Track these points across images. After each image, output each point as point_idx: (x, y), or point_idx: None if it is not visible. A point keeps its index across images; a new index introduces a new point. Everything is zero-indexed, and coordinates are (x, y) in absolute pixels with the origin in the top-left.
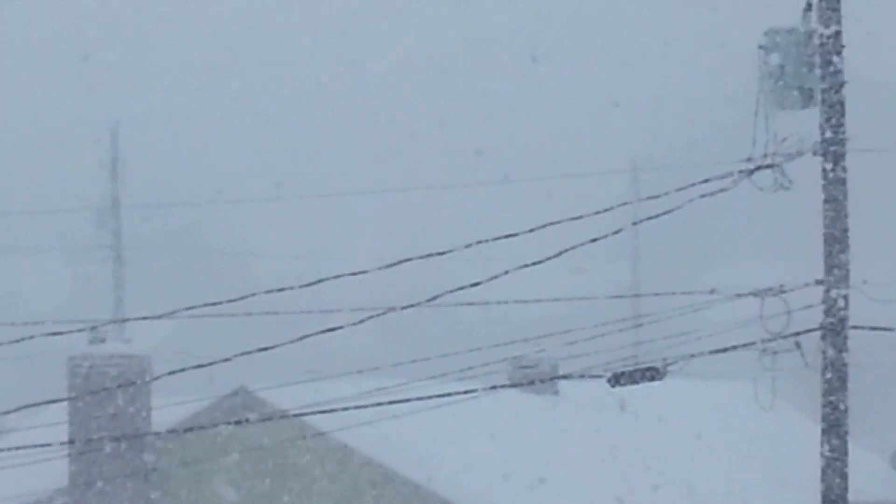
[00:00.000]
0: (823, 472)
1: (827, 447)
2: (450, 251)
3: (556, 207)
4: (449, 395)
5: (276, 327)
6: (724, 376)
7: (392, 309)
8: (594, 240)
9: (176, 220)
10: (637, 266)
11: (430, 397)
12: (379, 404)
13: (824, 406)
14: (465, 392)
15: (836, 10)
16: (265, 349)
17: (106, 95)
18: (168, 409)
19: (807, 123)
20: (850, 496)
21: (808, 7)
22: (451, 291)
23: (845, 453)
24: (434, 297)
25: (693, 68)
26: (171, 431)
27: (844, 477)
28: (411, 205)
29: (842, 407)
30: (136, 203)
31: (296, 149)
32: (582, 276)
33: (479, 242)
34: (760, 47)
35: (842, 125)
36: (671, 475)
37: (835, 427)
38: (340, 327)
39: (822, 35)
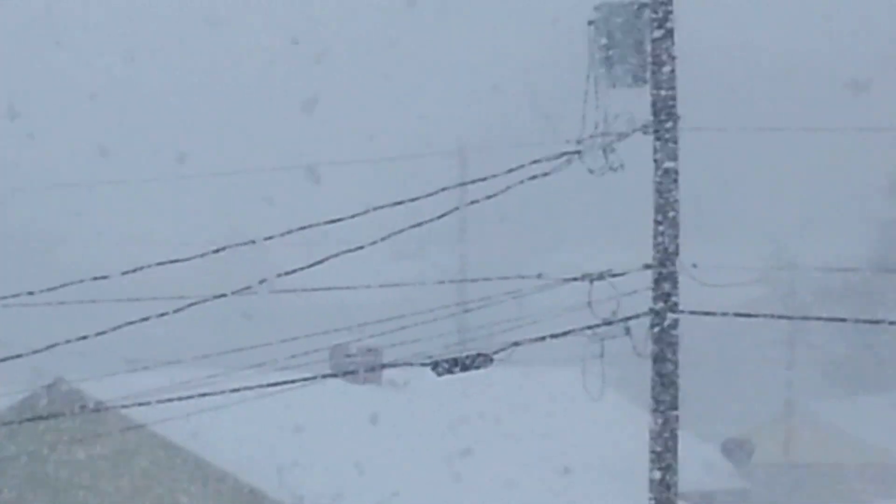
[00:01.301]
0: (652, 461)
1: (656, 436)
2: (272, 237)
3: (382, 192)
4: (271, 385)
5: (93, 317)
6: (552, 363)
7: (221, 295)
8: (419, 224)
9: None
10: (465, 251)
11: (251, 388)
12: (198, 395)
13: (654, 393)
14: (286, 382)
15: None
16: (84, 338)
17: None
18: None
19: (639, 102)
20: (681, 485)
21: None
22: (276, 276)
23: (675, 442)
24: (258, 283)
25: (525, 45)
26: None
27: (674, 466)
28: (232, 189)
29: (671, 394)
30: None
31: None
32: (409, 261)
33: (302, 228)
34: (590, 23)
35: (673, 104)
36: (494, 467)
37: (664, 415)
38: (163, 314)
39: (653, 11)
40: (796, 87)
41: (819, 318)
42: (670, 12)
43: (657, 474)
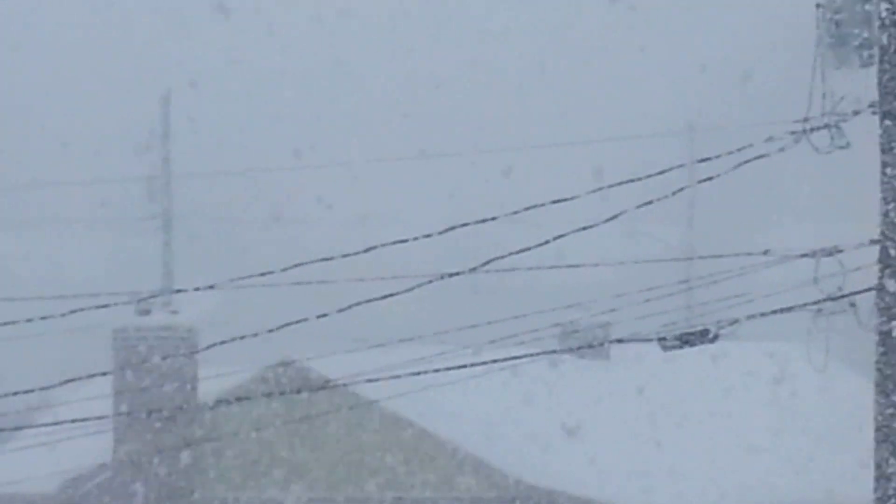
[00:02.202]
0: (877, 432)
1: (881, 406)
2: (499, 216)
3: (610, 171)
4: (499, 360)
5: (323, 297)
6: (778, 338)
7: (441, 276)
8: (648, 202)
9: (223, 190)
10: (692, 229)
11: (480, 364)
12: (427, 371)
13: (878, 366)
14: (515, 357)
15: None
16: (307, 319)
17: (154, 64)
18: (214, 380)
19: (866, 82)
20: None
21: None
22: (500, 258)
23: None
24: (485, 264)
25: (749, 27)
26: (218, 403)
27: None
28: (457, 170)
29: (895, 367)
30: (185, 172)
31: (322, 114)
32: (636, 239)
33: (530, 207)
34: (818, 5)
35: None
36: (723, 437)
37: (889, 385)
38: (389, 295)
39: None
40: None
41: None
42: None
43: (882, 448)
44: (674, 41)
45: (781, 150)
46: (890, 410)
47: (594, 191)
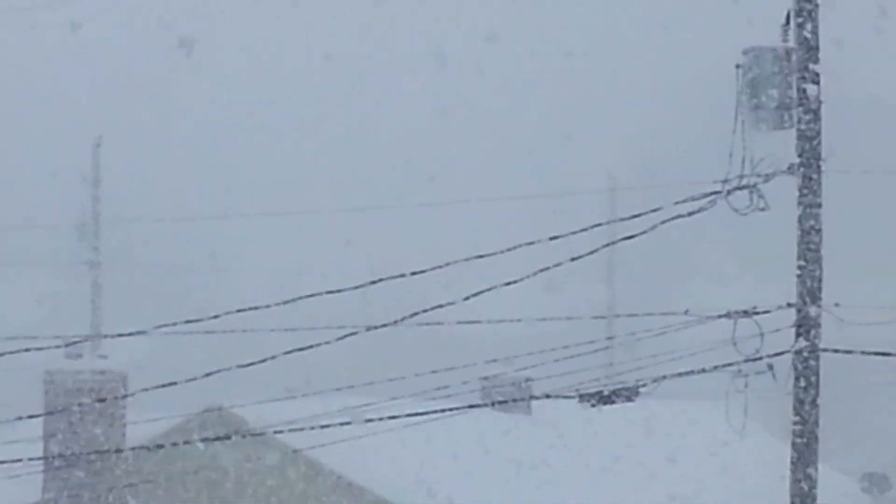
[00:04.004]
0: (792, 496)
1: (797, 470)
2: (425, 270)
3: (531, 227)
4: (423, 413)
5: (252, 345)
6: (697, 396)
7: (367, 328)
8: (573, 259)
9: (154, 236)
10: (612, 286)
11: (404, 416)
12: (352, 423)
13: (795, 429)
14: (439, 411)
15: (814, 31)
16: (231, 368)
17: (86, 109)
18: (142, 425)
19: (785, 143)
20: None
21: (787, 22)
22: (426, 310)
23: (815, 477)
24: (410, 316)
25: (672, 88)
26: (145, 447)
27: (812, 497)
28: (388, 223)
29: (812, 431)
30: (115, 218)
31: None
32: (558, 294)
33: (454, 262)
34: (738, 66)
35: (817, 146)
36: (640, 493)
37: (805, 450)
38: (316, 345)
39: (799, 55)
40: None
41: None
42: (817, 57)
43: (796, 500)
44: (599, 98)
45: (700, 210)
46: (806, 471)
47: (511, 249)
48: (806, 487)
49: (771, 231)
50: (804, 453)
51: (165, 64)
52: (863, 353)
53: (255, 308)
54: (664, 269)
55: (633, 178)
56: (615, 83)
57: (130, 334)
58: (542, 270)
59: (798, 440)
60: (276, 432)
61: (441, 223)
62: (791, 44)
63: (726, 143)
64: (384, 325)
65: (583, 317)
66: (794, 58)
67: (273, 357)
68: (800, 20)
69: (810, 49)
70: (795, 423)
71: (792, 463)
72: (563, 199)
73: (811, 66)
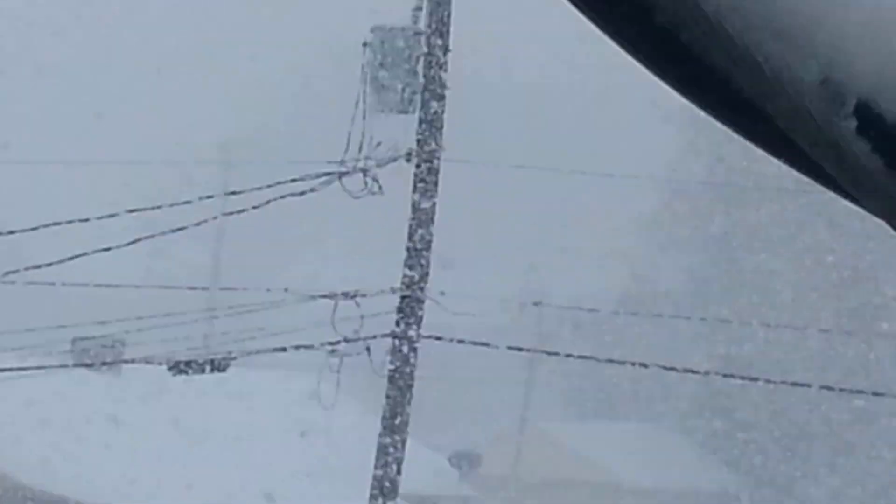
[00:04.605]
0: (377, 460)
1: (386, 441)
2: (22, 230)
3: (139, 194)
4: (12, 369)
5: None
6: (295, 367)
7: None
8: (180, 229)
9: None
10: (219, 256)
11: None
12: None
13: (386, 405)
14: (29, 367)
15: (446, 15)
16: None
17: None
18: None
19: (406, 128)
20: (404, 487)
21: (419, 8)
22: (16, 271)
23: (402, 448)
24: (3, 275)
25: (302, 59)
26: None
27: (397, 466)
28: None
29: (402, 406)
30: None
31: None
32: (165, 260)
33: (53, 224)
34: (365, 44)
35: (438, 133)
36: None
37: (394, 424)
38: None
39: (428, 39)
40: (565, 127)
41: (551, 353)
42: (447, 43)
43: (379, 472)
44: (227, 63)
45: (313, 191)
46: (394, 441)
47: (108, 216)
48: (392, 461)
49: (386, 216)
50: (393, 429)
51: None
52: (459, 341)
53: None
54: (274, 244)
55: (251, 153)
56: (240, 48)
57: None
58: (139, 240)
59: (388, 419)
60: None
61: (54, 182)
62: (422, 26)
63: (348, 123)
64: None
65: (182, 286)
66: (423, 41)
67: None
68: (434, 3)
69: (441, 34)
70: (388, 401)
71: (380, 437)
72: (176, 168)
73: (440, 50)
